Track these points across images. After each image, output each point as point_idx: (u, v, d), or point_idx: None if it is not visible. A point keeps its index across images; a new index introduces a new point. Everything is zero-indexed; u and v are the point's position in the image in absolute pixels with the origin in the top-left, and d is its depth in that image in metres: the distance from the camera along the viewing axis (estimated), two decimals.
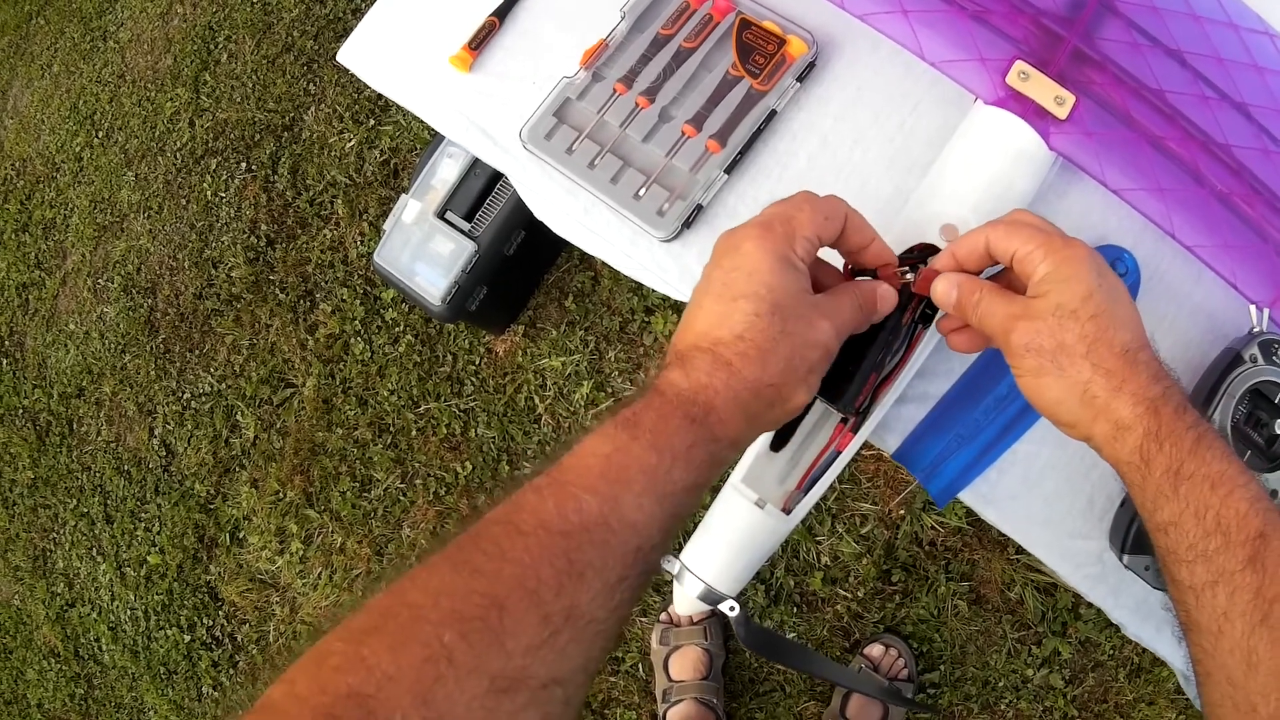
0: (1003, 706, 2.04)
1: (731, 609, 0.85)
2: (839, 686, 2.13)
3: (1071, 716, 2.00)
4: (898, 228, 0.87)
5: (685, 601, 0.87)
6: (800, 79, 1.01)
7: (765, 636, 0.90)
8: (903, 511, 2.15)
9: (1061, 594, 2.01)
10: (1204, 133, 0.85)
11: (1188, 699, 1.84)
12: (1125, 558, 0.87)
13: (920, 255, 0.83)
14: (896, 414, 0.95)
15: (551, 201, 1.07)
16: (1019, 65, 0.85)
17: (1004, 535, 0.96)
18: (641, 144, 1.03)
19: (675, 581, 0.86)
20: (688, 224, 1.00)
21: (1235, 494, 0.62)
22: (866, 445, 0.89)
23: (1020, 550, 0.94)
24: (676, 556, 0.86)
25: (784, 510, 0.86)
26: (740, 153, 1.00)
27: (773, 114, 1.01)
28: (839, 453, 0.87)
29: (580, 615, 0.57)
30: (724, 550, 0.86)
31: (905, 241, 0.85)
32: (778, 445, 0.89)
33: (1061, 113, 0.84)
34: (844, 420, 0.88)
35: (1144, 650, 1.73)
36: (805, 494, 0.87)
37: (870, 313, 0.77)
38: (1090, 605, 0.95)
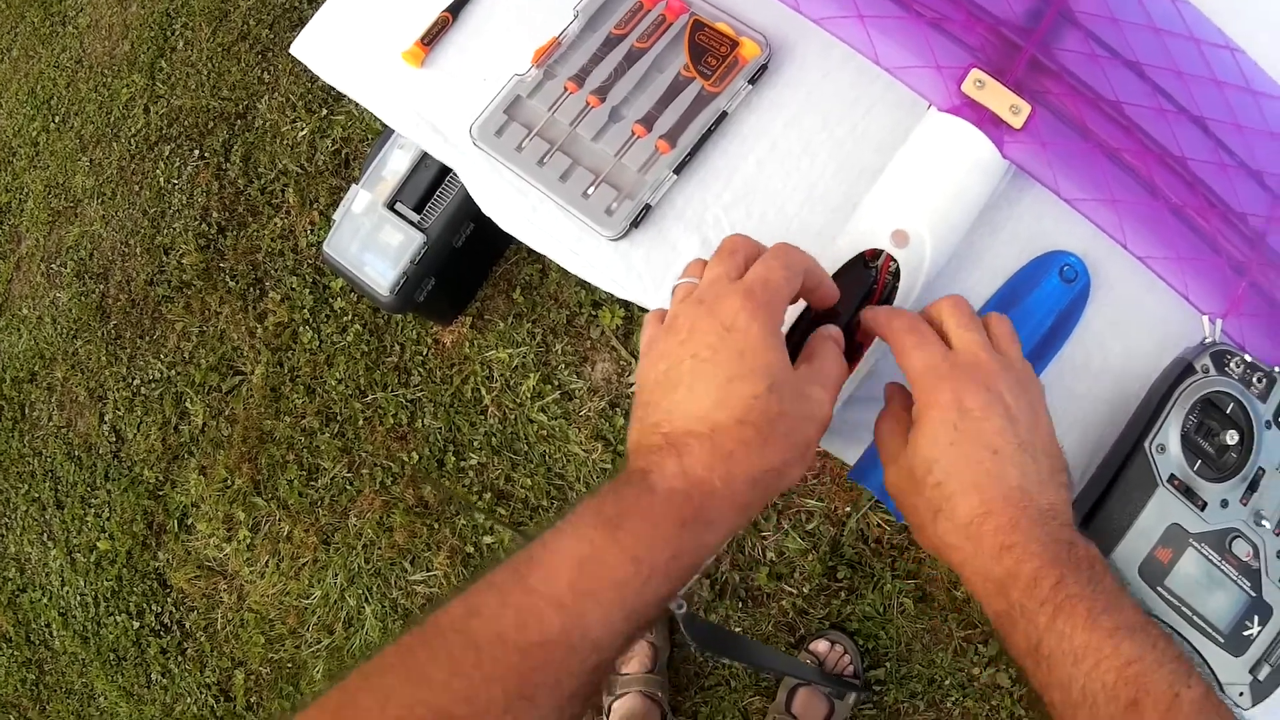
0: (949, 704, 2.05)
1: (679, 606, 0.84)
2: (785, 680, 2.14)
3: (1018, 716, 2.01)
4: (848, 233, 0.86)
5: None
6: (752, 81, 1.00)
7: (711, 632, 0.89)
8: (849, 508, 2.16)
9: None
10: (1161, 146, 0.84)
11: None
12: None
13: (870, 260, 0.83)
14: (853, 420, 0.92)
15: (500, 198, 1.05)
16: (975, 73, 0.84)
17: None
18: (591, 143, 1.02)
19: None
20: (635, 223, 0.99)
21: (1101, 665, 0.60)
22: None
23: None
24: None
25: None
26: (690, 154, 0.99)
27: (723, 115, 0.99)
28: None
29: None
30: None
31: (855, 247, 0.85)
32: None
33: (1017, 122, 0.83)
34: None
35: None
36: None
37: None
38: None
